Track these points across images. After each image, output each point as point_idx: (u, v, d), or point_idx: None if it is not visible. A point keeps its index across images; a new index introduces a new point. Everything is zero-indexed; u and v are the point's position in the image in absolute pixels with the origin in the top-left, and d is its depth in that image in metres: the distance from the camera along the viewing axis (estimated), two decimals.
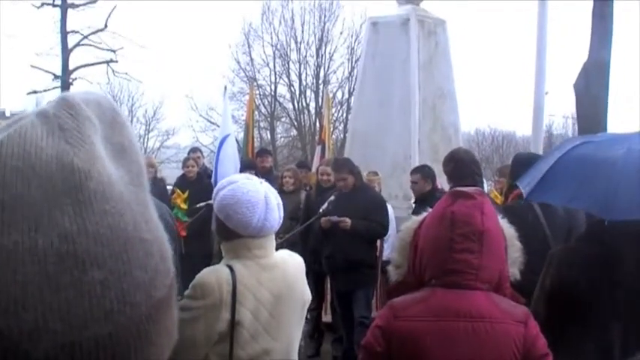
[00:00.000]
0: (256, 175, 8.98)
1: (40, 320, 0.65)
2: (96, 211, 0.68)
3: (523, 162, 5.35)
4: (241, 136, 13.39)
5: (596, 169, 3.69)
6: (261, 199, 2.96)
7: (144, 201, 0.75)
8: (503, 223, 2.81)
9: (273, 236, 3.10)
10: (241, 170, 9.51)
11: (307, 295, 3.21)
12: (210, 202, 3.68)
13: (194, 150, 11.90)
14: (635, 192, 3.50)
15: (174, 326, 0.78)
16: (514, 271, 2.78)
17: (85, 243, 0.67)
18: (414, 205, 7.96)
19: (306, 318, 8.00)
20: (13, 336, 0.64)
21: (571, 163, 3.81)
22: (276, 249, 3.17)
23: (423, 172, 7.73)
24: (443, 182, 7.27)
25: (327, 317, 8.92)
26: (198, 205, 9.01)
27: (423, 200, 7.06)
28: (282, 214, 3.07)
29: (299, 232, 7.93)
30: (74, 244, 0.66)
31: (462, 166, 5.98)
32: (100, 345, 0.67)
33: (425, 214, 2.82)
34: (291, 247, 6.26)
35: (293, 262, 3.16)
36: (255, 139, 14.25)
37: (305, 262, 3.32)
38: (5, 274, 0.65)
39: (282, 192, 8.76)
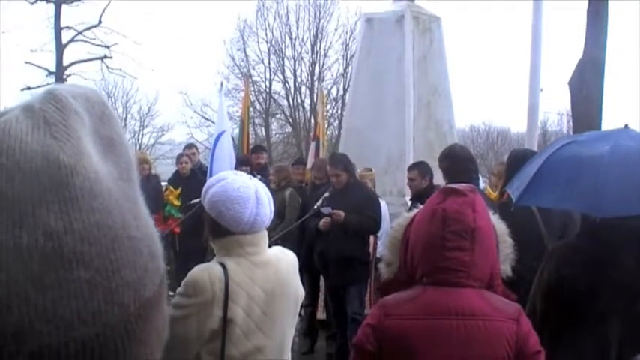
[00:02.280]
0: (251, 171, 9.03)
1: (25, 321, 0.63)
2: (82, 208, 0.66)
3: (519, 158, 5.36)
4: (236, 132, 13.38)
5: (582, 167, 3.68)
6: (252, 195, 2.95)
7: (133, 197, 0.74)
8: (495, 220, 2.80)
9: (266, 233, 3.09)
10: (236, 167, 9.50)
11: (300, 291, 3.20)
12: None
13: (189, 146, 11.87)
14: (622, 188, 3.49)
15: (164, 325, 0.76)
16: (505, 268, 2.78)
17: (71, 241, 0.65)
18: (409, 202, 7.94)
19: (301, 315, 8.02)
20: None
21: (557, 165, 3.81)
22: (270, 245, 3.16)
23: (421, 168, 7.68)
24: (438, 179, 7.27)
25: (321, 314, 8.92)
26: (192, 202, 8.99)
27: (419, 197, 7.04)
28: (272, 209, 3.06)
29: (294, 229, 7.94)
30: (60, 243, 0.65)
31: (458, 162, 5.97)
32: (87, 346, 0.66)
33: (416, 210, 2.81)
34: (283, 242, 6.25)
35: (286, 259, 3.14)
36: (249, 136, 14.21)
37: (299, 258, 3.31)
38: None
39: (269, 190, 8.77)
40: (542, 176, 3.81)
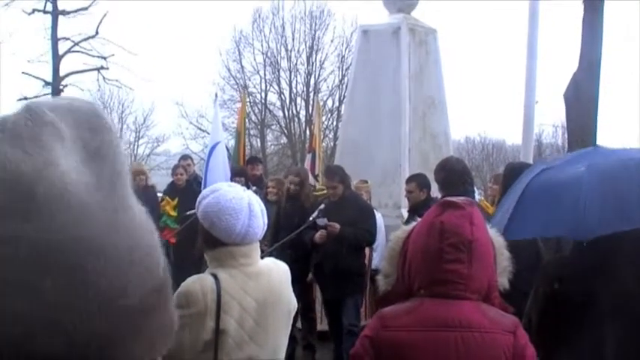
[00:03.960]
0: (247, 182, 9.02)
1: (22, 330, 0.65)
2: (49, 218, 0.67)
3: (515, 171, 5.36)
4: (231, 143, 13.38)
5: (561, 192, 3.66)
6: (245, 206, 2.96)
7: (114, 206, 0.73)
8: (492, 232, 2.80)
9: (258, 244, 3.10)
10: (231, 178, 9.50)
11: (293, 302, 3.21)
12: None
13: (184, 157, 11.87)
14: (602, 208, 3.48)
15: (171, 324, 0.79)
16: (503, 281, 2.77)
17: (43, 250, 0.66)
18: (405, 214, 7.94)
19: None
20: None
21: (535, 194, 3.78)
22: (263, 257, 3.17)
23: (419, 180, 7.68)
24: (434, 190, 7.27)
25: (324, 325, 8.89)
26: (188, 213, 8.99)
27: (417, 209, 7.03)
28: (266, 221, 3.07)
29: (287, 241, 7.93)
30: (32, 250, 0.65)
31: (454, 175, 5.99)
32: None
33: (414, 223, 2.81)
34: (279, 253, 6.23)
35: (278, 270, 3.15)
36: (245, 147, 14.22)
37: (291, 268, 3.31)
38: None
39: (266, 201, 8.78)
40: (522, 208, 3.76)
